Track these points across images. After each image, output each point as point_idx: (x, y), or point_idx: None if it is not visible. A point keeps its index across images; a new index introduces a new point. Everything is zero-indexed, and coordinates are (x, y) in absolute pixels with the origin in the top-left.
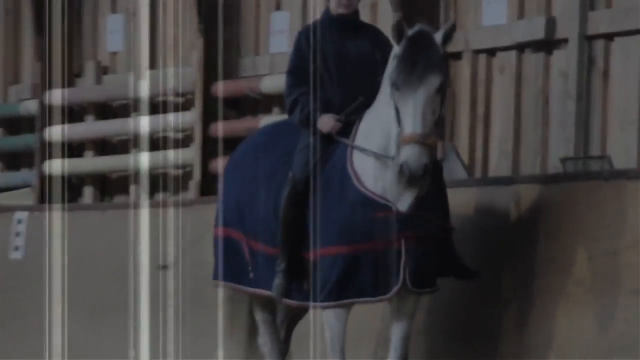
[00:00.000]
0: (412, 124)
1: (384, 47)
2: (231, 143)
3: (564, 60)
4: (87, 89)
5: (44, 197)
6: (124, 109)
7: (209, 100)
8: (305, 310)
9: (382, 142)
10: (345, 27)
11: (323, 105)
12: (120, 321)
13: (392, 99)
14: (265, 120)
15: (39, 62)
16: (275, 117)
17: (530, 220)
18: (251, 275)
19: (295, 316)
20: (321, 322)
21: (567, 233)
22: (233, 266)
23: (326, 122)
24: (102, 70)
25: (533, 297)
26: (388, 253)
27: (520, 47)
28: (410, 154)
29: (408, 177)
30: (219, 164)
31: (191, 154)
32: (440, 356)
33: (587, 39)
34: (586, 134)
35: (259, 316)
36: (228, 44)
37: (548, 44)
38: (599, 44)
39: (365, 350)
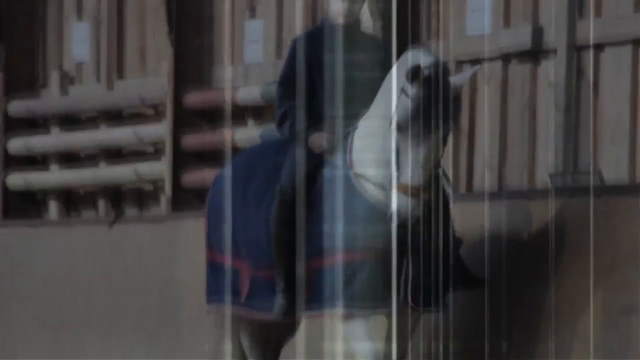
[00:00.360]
0: (410, 174)
1: (384, 59)
2: (204, 156)
3: (552, 71)
4: (52, 100)
5: (7, 213)
6: (91, 120)
7: (180, 112)
8: (295, 329)
9: (380, 156)
10: (344, 37)
11: (315, 120)
12: (88, 341)
13: (394, 136)
14: (240, 133)
15: (1, 71)
16: (250, 129)
17: (517, 237)
18: (243, 299)
19: (285, 336)
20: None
21: (556, 250)
22: (225, 291)
23: (317, 142)
24: (68, 81)
25: (520, 317)
26: (390, 264)
27: (506, 58)
28: (402, 206)
29: (397, 225)
30: (192, 177)
31: (162, 168)
32: None
33: (576, 49)
34: (575, 147)
35: (247, 343)
36: (200, 54)
37: (535, 54)
38: (589, 54)
39: None
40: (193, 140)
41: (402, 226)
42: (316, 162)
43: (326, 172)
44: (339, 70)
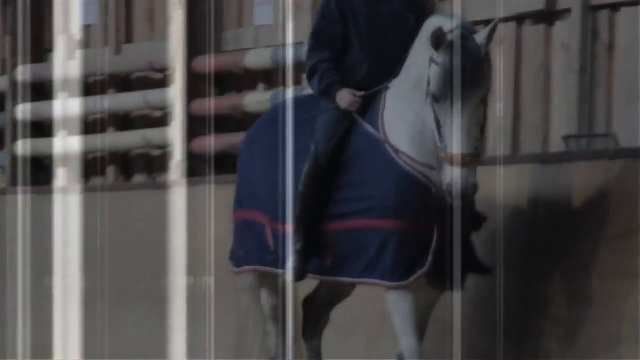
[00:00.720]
0: (459, 144)
1: (418, 11)
2: (214, 121)
3: (566, 32)
4: (60, 65)
5: (15, 180)
6: (99, 85)
7: (190, 76)
8: (348, 289)
9: (415, 127)
10: None
11: (347, 73)
12: (98, 309)
13: (432, 108)
14: (251, 98)
15: (8, 36)
16: (260, 93)
17: (531, 202)
18: (273, 256)
19: (337, 296)
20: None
21: (570, 215)
22: (254, 249)
23: (345, 99)
24: (75, 45)
25: (530, 284)
26: (420, 235)
27: (520, 19)
28: (457, 177)
29: (455, 199)
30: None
31: (171, 133)
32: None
33: (591, 10)
34: (590, 110)
35: (269, 301)
36: (209, 17)
37: (549, 15)
38: (603, 15)
39: (357, 342)
40: (202, 105)
41: (461, 198)
42: (348, 122)
43: (358, 136)
44: (369, 21)
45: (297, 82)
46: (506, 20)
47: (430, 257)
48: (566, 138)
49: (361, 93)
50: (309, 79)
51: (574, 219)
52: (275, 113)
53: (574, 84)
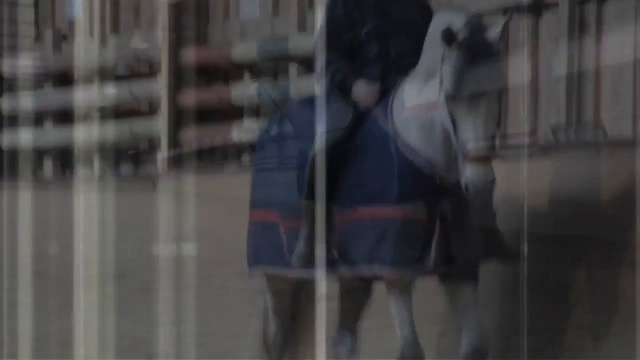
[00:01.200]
0: (476, 142)
1: (426, 12)
2: (200, 113)
3: (554, 24)
4: (46, 57)
5: (1, 172)
6: (85, 78)
7: (176, 69)
8: (368, 295)
9: (423, 118)
10: None
11: (359, 75)
12: (86, 300)
13: (447, 107)
14: (237, 89)
15: None
16: (247, 85)
17: (518, 194)
18: (285, 255)
19: (358, 304)
20: None
21: (558, 207)
22: (265, 250)
23: (362, 90)
24: (62, 37)
25: (518, 281)
26: (421, 226)
27: (507, 11)
28: (477, 175)
29: (474, 195)
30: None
31: (157, 125)
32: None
33: (578, 2)
34: (578, 102)
35: (272, 301)
36: (195, 9)
37: (537, 8)
38: (591, 7)
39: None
40: (189, 97)
41: (477, 196)
42: (358, 111)
43: (368, 124)
44: (380, 23)
45: (284, 72)
46: (494, 12)
47: (433, 255)
48: (554, 129)
49: (376, 87)
50: (320, 78)
51: (561, 210)
52: (287, 111)
53: (562, 75)
